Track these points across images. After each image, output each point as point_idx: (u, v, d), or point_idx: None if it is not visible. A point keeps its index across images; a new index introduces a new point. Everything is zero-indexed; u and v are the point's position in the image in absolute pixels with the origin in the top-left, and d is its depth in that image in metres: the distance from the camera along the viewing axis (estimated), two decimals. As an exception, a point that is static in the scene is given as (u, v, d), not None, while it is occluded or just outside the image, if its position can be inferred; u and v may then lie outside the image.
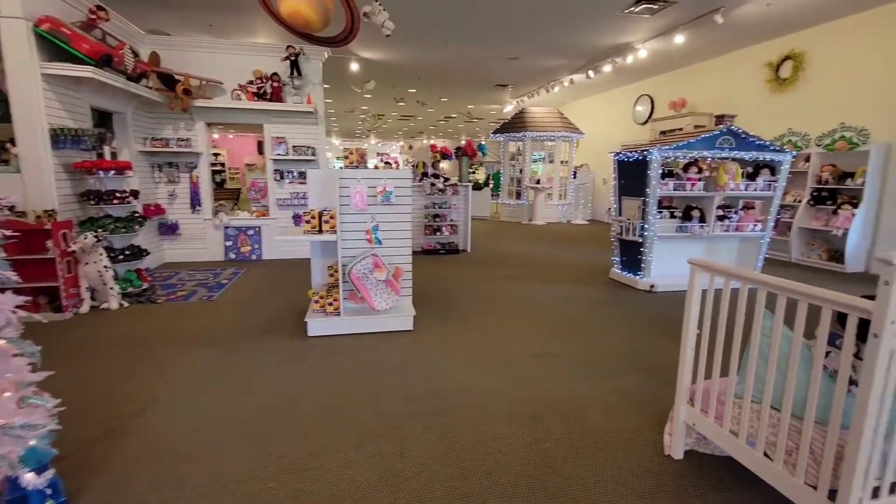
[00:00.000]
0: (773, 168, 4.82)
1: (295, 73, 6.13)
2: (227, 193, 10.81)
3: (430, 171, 7.05)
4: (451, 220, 6.86)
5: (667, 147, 4.51)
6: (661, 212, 4.92)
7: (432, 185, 6.59)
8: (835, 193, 5.98)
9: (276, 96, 6.08)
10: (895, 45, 5.41)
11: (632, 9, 5.81)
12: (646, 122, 10.04)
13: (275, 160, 6.30)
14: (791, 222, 6.31)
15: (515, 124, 11.51)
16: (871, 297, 1.19)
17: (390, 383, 2.65)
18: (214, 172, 11.48)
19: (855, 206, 5.66)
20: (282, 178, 6.37)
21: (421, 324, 3.60)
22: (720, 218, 4.88)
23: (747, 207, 5.07)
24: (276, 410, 2.33)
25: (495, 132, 11.90)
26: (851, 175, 5.82)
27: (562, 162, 11.75)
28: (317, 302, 3.37)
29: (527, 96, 12.32)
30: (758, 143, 4.66)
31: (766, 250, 5.07)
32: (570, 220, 11.69)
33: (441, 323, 3.69)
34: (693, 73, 8.72)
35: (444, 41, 7.45)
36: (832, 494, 1.29)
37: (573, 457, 1.95)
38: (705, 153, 4.58)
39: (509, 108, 13.80)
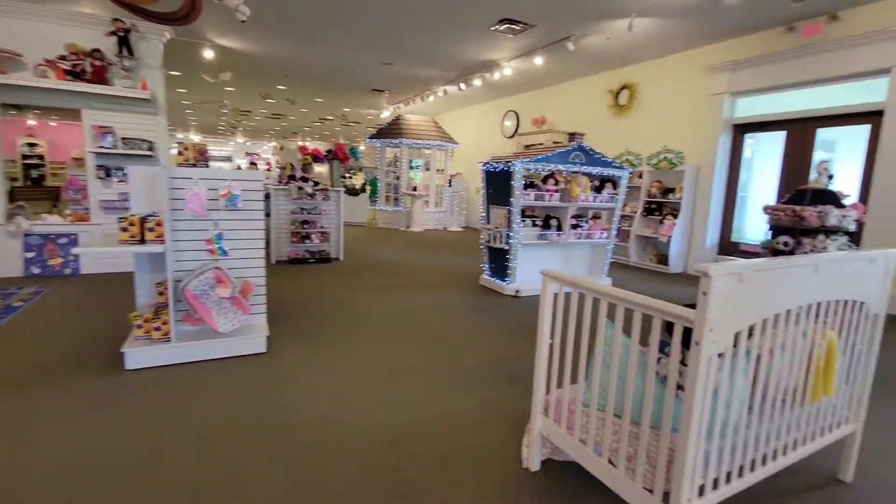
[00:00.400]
0: (615, 182, 5.41)
1: (125, 53, 5.17)
2: (45, 192, 8.80)
3: (299, 174, 6.54)
4: (322, 227, 6.44)
5: (528, 159, 4.77)
6: (524, 220, 5.20)
7: (300, 189, 6.10)
8: (661, 206, 7.00)
9: (99, 77, 5.05)
10: (698, 84, 6.53)
11: (497, 26, 6.10)
12: (513, 135, 10.73)
13: (98, 154, 5.22)
14: (629, 230, 7.22)
15: (392, 130, 11.43)
16: (694, 306, 1.26)
17: (230, 420, 2.25)
18: (30, 167, 9.32)
19: (675, 216, 6.68)
20: (108, 175, 5.31)
21: (276, 344, 3.21)
22: (574, 226, 5.33)
23: (595, 217, 5.63)
24: (64, 474, 1.79)
25: (372, 137, 11.67)
26: (672, 190, 6.87)
27: (437, 170, 12.00)
28: (140, 327, 2.78)
29: (403, 103, 12.33)
30: (602, 159, 5.19)
31: (611, 255, 5.68)
32: (447, 227, 11.96)
33: (300, 342, 3.34)
34: (552, 93, 9.56)
35: (313, 38, 7.02)
36: (666, 497, 1.34)
37: (435, 481, 1.83)
38: (560, 167, 4.95)
39: (386, 114, 13.68)
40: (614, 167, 5.29)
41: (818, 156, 7.28)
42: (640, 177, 7.26)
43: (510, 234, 4.90)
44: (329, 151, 6.68)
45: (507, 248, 4.98)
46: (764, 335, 1.44)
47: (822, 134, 6.72)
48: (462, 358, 3.17)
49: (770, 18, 5.40)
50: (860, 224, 5.05)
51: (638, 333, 1.44)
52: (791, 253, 3.25)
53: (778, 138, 5.98)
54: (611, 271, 5.81)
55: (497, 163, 5.01)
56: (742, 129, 6.33)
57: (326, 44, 7.35)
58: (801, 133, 5.65)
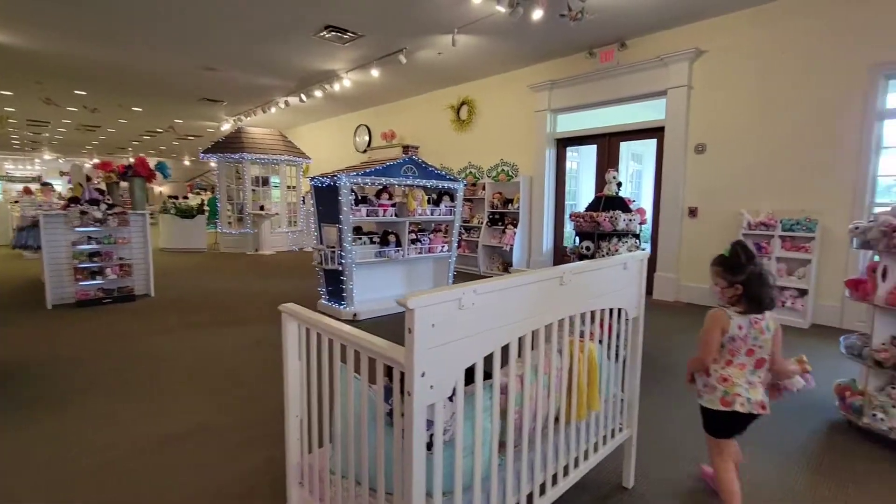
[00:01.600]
0: (452, 195, 5.41)
1: None
2: None
3: (89, 195, 5.34)
4: (121, 259, 5.32)
5: (355, 173, 4.48)
6: (360, 237, 4.89)
7: (83, 213, 4.95)
8: (503, 216, 7.30)
9: None
10: (524, 101, 6.98)
11: (323, 33, 5.75)
12: (365, 150, 10.45)
13: None
14: (478, 241, 7.39)
15: (231, 144, 10.30)
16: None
17: None
18: None
19: (515, 225, 7.01)
20: None
21: (-11, 428, 2.35)
22: (414, 241, 5.17)
23: (437, 231, 5.57)
24: None
25: (206, 151, 10.39)
26: (512, 201, 7.21)
27: (289, 187, 11.17)
28: None
29: (244, 115, 11.29)
30: (436, 172, 5.14)
31: (455, 267, 5.65)
32: (303, 248, 11.15)
33: (33, 417, 2.51)
34: (399, 108, 9.52)
35: (99, 35, 5.87)
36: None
37: None
38: (392, 180, 4.76)
39: (227, 127, 12.42)
40: (449, 179, 5.28)
41: (630, 166, 8.39)
42: (484, 189, 7.50)
43: (342, 253, 4.53)
44: (128, 167, 5.58)
45: (340, 268, 4.60)
46: (508, 363, 1.27)
47: (632, 147, 7.73)
48: (263, 406, 2.68)
49: (573, 44, 5.96)
50: (656, 226, 5.79)
51: (367, 380, 1.17)
52: (592, 256, 3.44)
53: (594, 151, 6.64)
54: (459, 283, 5.77)
55: (324, 177, 4.62)
56: (564, 143, 6.91)
57: (120, 43, 6.23)
58: (608, 146, 6.33)
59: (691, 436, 2.33)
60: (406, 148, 5.14)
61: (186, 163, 24.69)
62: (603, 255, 3.33)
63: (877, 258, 2.47)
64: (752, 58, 4.88)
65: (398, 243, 5.03)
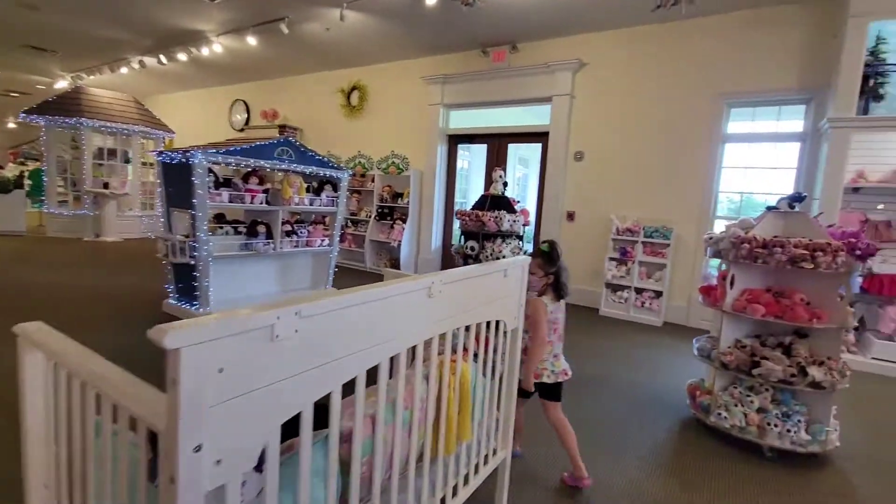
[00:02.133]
0: (335, 184, 4.95)
1: None
2: None
3: None
4: None
5: (214, 150, 3.80)
6: (222, 227, 4.22)
7: None
8: (392, 210, 7.00)
9: None
10: (418, 93, 6.74)
11: (182, -17, 4.87)
12: (243, 129, 9.34)
13: None
14: (365, 235, 6.99)
15: (66, 106, 8.43)
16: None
17: None
18: None
19: (404, 221, 6.75)
20: None
21: None
22: (289, 233, 4.62)
23: (317, 223, 5.06)
24: None
25: (30, 112, 8.37)
26: (402, 195, 6.94)
27: (144, 164, 9.54)
28: None
29: (85, 73, 9.39)
30: (317, 158, 4.63)
31: (337, 262, 5.21)
32: (160, 235, 9.61)
33: None
34: (284, 86, 8.61)
35: None
36: None
37: None
38: (263, 162, 4.16)
39: (63, 84, 10.22)
40: (332, 167, 4.81)
41: (518, 170, 8.65)
42: (373, 181, 7.12)
43: (195, 244, 3.83)
44: None
45: (192, 262, 3.89)
46: (354, 400, 0.98)
47: (520, 151, 7.94)
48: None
49: (467, 39, 5.86)
50: (538, 228, 5.96)
51: (125, 438, 0.78)
52: (477, 257, 3.31)
53: (485, 151, 6.66)
54: (343, 278, 5.35)
55: (174, 153, 3.86)
56: (456, 140, 6.82)
57: None
58: (497, 147, 6.38)
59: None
60: (283, 128, 4.57)
61: (11, 125, 20.01)
62: (487, 256, 3.22)
63: (724, 267, 2.68)
64: (624, 75, 5.23)
65: (269, 235, 4.44)
